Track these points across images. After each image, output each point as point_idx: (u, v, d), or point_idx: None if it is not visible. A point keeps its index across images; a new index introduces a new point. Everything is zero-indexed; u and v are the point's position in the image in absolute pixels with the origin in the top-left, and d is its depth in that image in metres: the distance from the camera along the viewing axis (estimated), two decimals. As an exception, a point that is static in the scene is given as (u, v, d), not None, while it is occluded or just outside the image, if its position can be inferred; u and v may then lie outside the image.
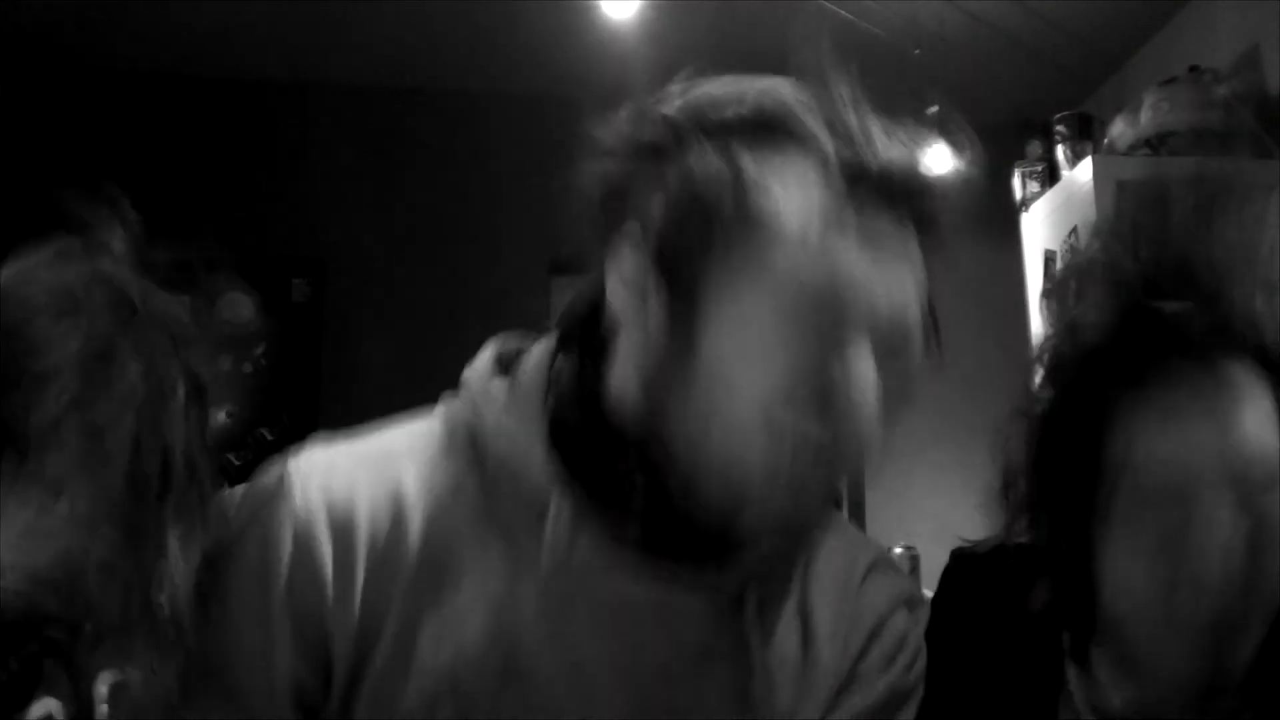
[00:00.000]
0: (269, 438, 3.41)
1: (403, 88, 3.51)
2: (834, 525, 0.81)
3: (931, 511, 3.10)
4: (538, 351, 0.78)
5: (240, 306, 3.45)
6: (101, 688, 0.85)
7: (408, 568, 0.71)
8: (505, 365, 0.78)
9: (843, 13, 2.93)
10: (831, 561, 0.80)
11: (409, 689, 0.69)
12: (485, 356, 0.79)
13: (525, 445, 0.72)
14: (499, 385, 0.76)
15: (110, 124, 3.23)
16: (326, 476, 0.73)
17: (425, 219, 3.49)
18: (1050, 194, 2.85)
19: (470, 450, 0.74)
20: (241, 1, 3.04)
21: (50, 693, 0.80)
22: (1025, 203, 2.98)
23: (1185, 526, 0.72)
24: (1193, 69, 2.63)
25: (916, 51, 2.93)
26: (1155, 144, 2.55)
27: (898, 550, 3.02)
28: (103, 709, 0.84)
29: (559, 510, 0.70)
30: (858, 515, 3.65)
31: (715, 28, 3.12)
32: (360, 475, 0.73)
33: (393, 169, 3.48)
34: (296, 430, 3.41)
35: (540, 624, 0.70)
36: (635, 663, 0.71)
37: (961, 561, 0.95)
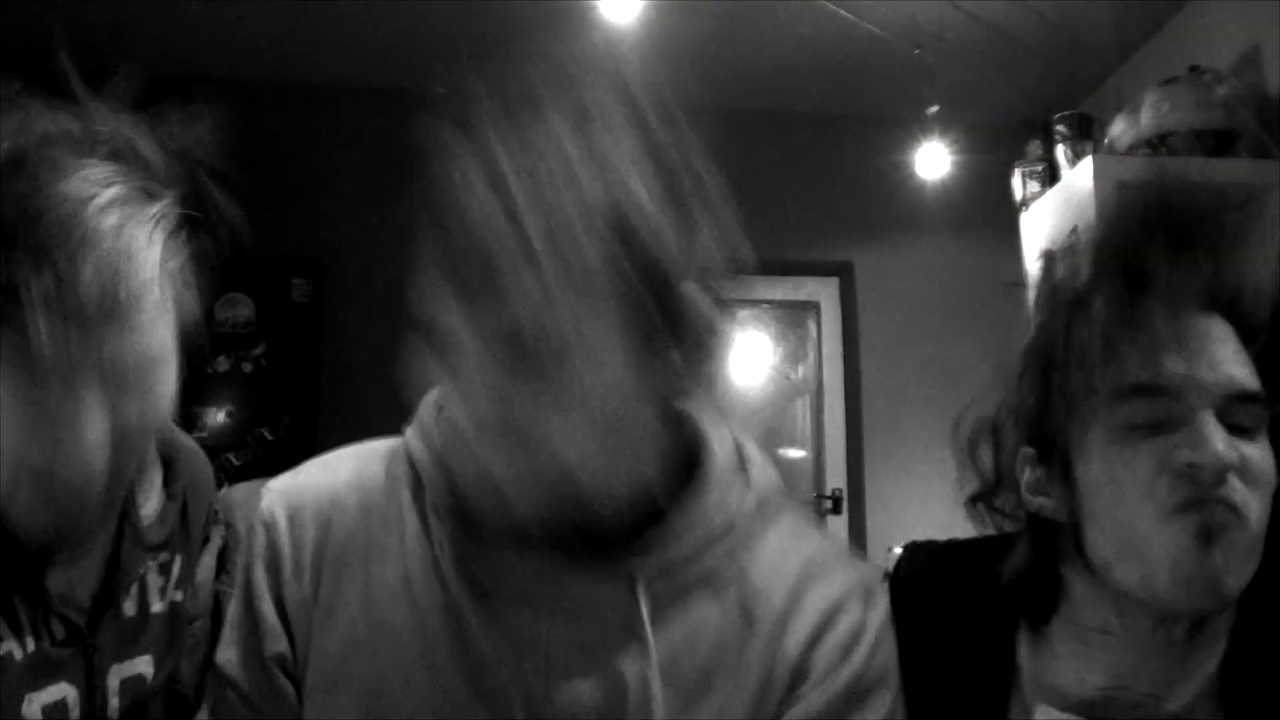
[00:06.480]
0: (269, 438, 3.41)
1: (403, 88, 3.50)
2: (779, 523, 0.83)
3: (930, 512, 3.09)
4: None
5: (240, 306, 3.45)
6: (113, 681, 0.85)
7: (337, 544, 0.81)
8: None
9: (843, 13, 2.94)
10: (768, 557, 0.81)
11: (334, 640, 0.77)
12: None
13: (429, 458, 0.82)
14: (429, 411, 0.86)
15: (110, 124, 3.22)
16: (287, 480, 0.86)
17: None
18: (1050, 194, 2.85)
19: (399, 458, 0.84)
20: (242, 2, 3.04)
21: (67, 681, 0.81)
22: (1025, 203, 2.98)
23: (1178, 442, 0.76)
24: (1193, 69, 2.63)
25: (916, 51, 2.93)
26: (1155, 144, 2.55)
27: (896, 550, 3.00)
28: (113, 702, 0.85)
29: (439, 513, 0.80)
30: (857, 516, 3.65)
31: (716, 30, 3.12)
32: (313, 474, 0.86)
33: (393, 169, 3.46)
34: (296, 430, 3.42)
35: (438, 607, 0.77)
36: (538, 639, 0.76)
37: (917, 551, 0.97)
